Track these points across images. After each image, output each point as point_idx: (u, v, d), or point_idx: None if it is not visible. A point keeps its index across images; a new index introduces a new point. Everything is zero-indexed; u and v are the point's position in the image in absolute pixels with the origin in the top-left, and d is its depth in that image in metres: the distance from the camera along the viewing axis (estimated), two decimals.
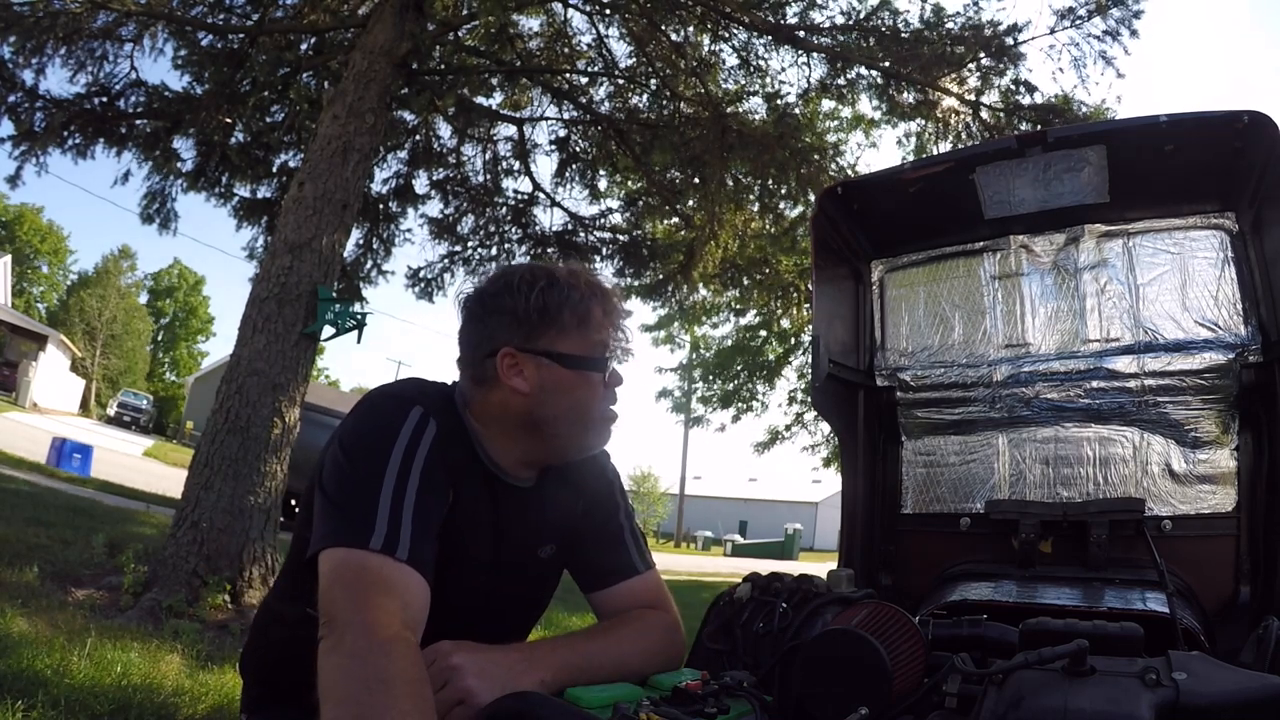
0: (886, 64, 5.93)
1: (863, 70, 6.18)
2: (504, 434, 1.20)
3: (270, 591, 1.42)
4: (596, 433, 1.24)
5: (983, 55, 5.74)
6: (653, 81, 6.98)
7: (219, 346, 55.90)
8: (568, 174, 7.64)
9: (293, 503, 8.09)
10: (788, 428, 13.60)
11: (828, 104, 6.81)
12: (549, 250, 7.79)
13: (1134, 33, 5.60)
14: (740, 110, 6.72)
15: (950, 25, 5.91)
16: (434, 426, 1.11)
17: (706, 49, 6.84)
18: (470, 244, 8.08)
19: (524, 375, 1.18)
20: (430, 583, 1.02)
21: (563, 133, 7.53)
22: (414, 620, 0.97)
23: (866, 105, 6.76)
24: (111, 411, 34.01)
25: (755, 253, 7.50)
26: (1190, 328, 2.25)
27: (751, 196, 7.17)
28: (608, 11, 6.84)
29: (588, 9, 6.93)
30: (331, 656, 0.89)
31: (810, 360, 2.50)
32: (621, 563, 1.34)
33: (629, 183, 7.76)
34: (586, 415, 1.21)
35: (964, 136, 6.14)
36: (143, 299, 49.56)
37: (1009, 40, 5.69)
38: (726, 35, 6.67)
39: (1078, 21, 5.65)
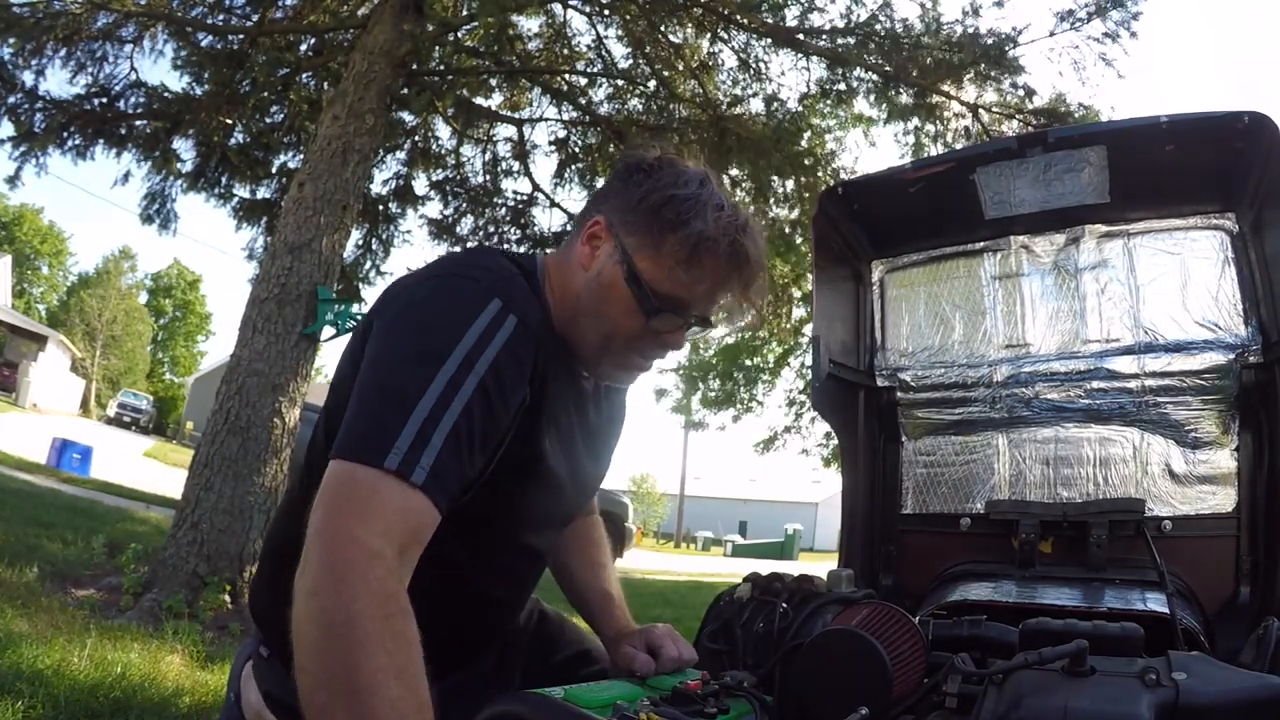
0: (886, 68, 5.93)
1: (861, 74, 6.19)
2: (558, 303, 1.07)
3: (278, 508, 1.26)
4: (613, 360, 1.08)
5: (982, 63, 5.74)
6: (651, 83, 6.98)
7: (219, 347, 55.96)
8: (567, 175, 7.64)
9: None
10: (786, 429, 13.60)
11: (826, 106, 6.81)
12: (548, 251, 7.78)
13: (1133, 34, 5.60)
14: (739, 113, 6.72)
15: (949, 31, 5.91)
16: (512, 323, 0.93)
17: (706, 51, 6.85)
18: (469, 245, 8.08)
19: (595, 253, 1.05)
20: (452, 502, 0.88)
21: (562, 133, 7.53)
22: (406, 544, 0.82)
23: (865, 106, 6.78)
24: (111, 412, 33.99)
25: None
26: (1190, 328, 2.25)
27: (748, 199, 7.17)
28: (607, 13, 6.85)
29: (587, 10, 6.93)
30: (299, 599, 0.77)
31: (810, 360, 2.50)
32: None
33: None
34: (611, 337, 1.05)
35: (963, 139, 6.15)
36: (142, 299, 49.57)
37: (1008, 46, 5.69)
38: (726, 37, 6.68)
39: (1077, 24, 5.66)
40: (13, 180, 6.77)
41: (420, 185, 7.91)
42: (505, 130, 7.66)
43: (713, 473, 54.78)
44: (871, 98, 6.39)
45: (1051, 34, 5.71)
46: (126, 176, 7.12)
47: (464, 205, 7.94)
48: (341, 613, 0.74)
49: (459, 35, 6.82)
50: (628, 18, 6.70)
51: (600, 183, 7.69)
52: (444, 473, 0.85)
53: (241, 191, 7.53)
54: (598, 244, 1.05)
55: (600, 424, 1.17)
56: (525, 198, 7.84)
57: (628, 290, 1.02)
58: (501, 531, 1.05)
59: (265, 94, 6.89)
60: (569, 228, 7.76)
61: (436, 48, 6.50)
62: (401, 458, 0.83)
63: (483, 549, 1.04)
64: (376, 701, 0.71)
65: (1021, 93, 5.86)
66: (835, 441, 9.41)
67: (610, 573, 1.30)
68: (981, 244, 2.56)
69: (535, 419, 0.99)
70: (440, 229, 7.94)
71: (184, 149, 7.10)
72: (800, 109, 6.69)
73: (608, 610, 1.26)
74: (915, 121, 6.38)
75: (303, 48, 7.05)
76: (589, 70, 7.25)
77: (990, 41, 5.71)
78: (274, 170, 7.46)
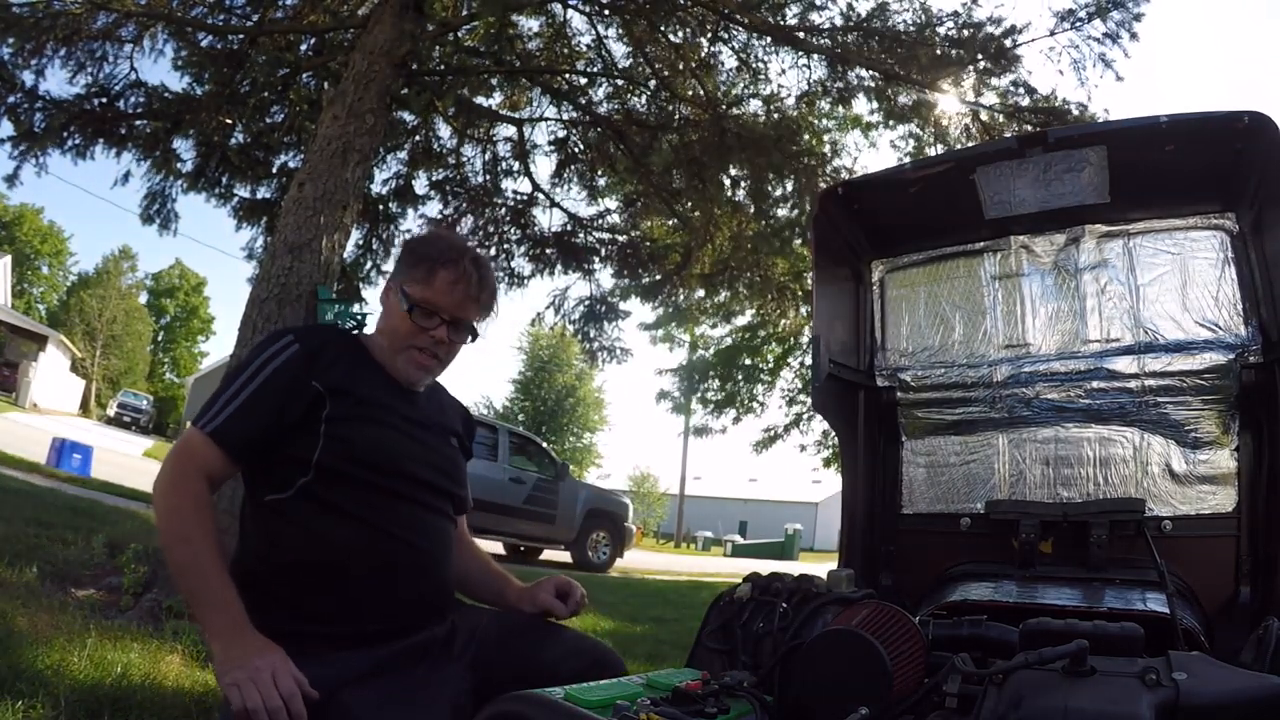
0: (886, 65, 5.93)
1: (861, 72, 6.18)
2: (376, 346, 1.59)
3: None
4: (404, 359, 1.56)
5: (980, 58, 5.74)
6: (652, 82, 6.98)
7: (219, 347, 55.84)
8: (566, 174, 7.64)
9: None
10: (786, 429, 13.57)
11: (826, 105, 6.81)
12: (548, 250, 7.78)
13: (1134, 35, 5.60)
14: (739, 112, 6.72)
15: (949, 27, 5.91)
16: (297, 346, 1.47)
17: (706, 50, 6.84)
18: (469, 244, 8.07)
19: (388, 299, 1.60)
20: (236, 451, 1.44)
21: (562, 133, 7.52)
22: (206, 471, 1.44)
23: (864, 106, 6.77)
24: (111, 412, 33.99)
25: (750, 255, 7.49)
26: (1190, 328, 2.25)
27: (749, 198, 7.17)
28: (607, 13, 6.84)
29: (587, 10, 6.92)
30: (155, 496, 1.43)
31: (810, 360, 2.50)
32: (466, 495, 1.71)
33: (627, 185, 7.76)
34: (393, 338, 1.56)
35: (963, 139, 6.14)
36: (143, 299, 49.56)
37: (1007, 42, 5.69)
38: (726, 36, 6.67)
39: (1077, 24, 5.65)
40: (12, 180, 6.76)
41: (420, 185, 7.90)
42: (505, 130, 7.65)
43: (713, 473, 54.75)
44: (870, 98, 6.39)
45: (1051, 33, 5.71)
46: (126, 176, 7.11)
47: (464, 205, 7.93)
48: (171, 506, 1.41)
49: (459, 35, 6.82)
50: (628, 17, 6.69)
51: (600, 183, 7.73)
52: (230, 429, 1.43)
53: (241, 191, 7.52)
54: (390, 294, 1.60)
55: (430, 412, 1.63)
56: (525, 197, 7.83)
57: (398, 304, 1.55)
58: (379, 467, 1.46)
59: (265, 94, 6.89)
60: (568, 226, 7.79)
61: (436, 48, 6.50)
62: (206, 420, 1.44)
63: (379, 491, 1.46)
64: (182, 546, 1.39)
65: (1022, 91, 5.86)
66: (835, 441, 9.42)
67: (497, 566, 1.81)
68: (981, 244, 2.56)
69: (349, 393, 1.47)
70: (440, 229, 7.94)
71: (184, 149, 7.09)
72: (799, 110, 6.68)
73: (507, 581, 1.76)
74: (915, 123, 6.38)
75: (303, 48, 7.04)
76: (589, 70, 7.24)
77: (988, 36, 5.70)
78: (274, 170, 7.45)
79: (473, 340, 1.66)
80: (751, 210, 7.26)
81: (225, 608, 1.31)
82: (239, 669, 1.22)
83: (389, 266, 8.03)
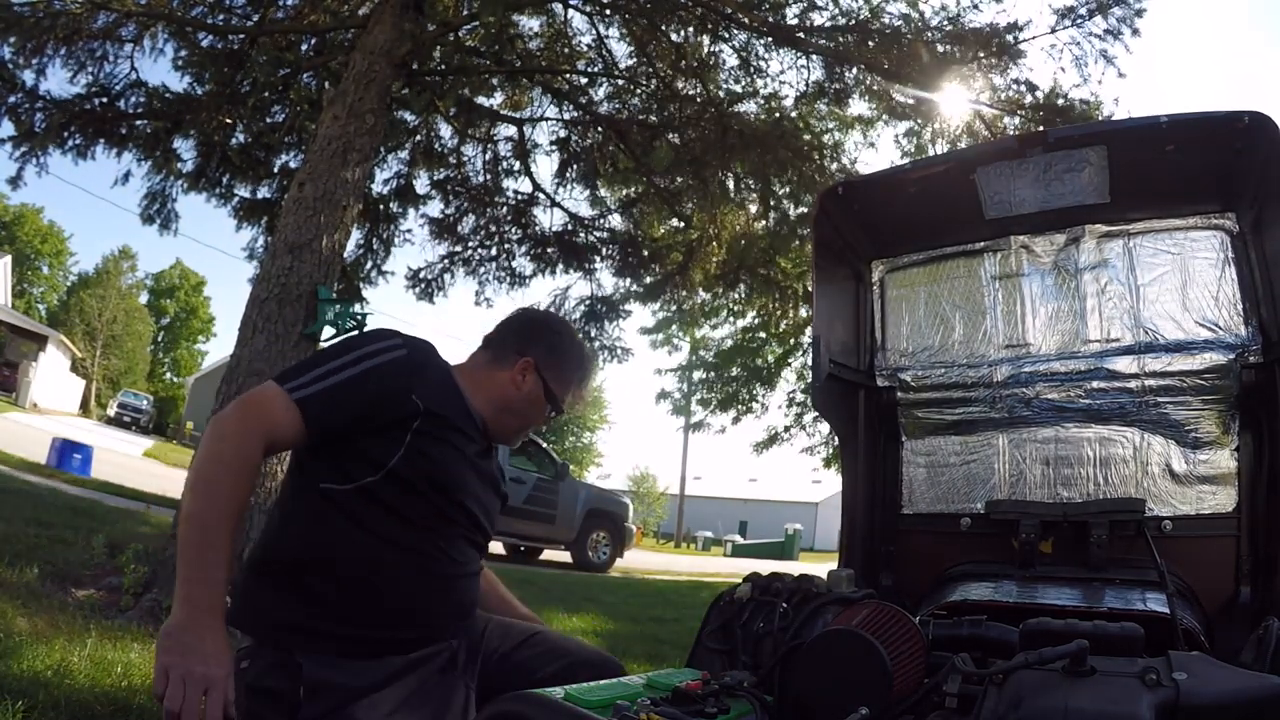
0: (886, 65, 5.92)
1: (861, 72, 6.18)
2: (483, 397, 1.62)
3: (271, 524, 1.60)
4: (517, 431, 1.71)
5: (981, 54, 5.74)
6: (653, 82, 6.98)
7: (219, 347, 55.88)
8: (568, 174, 7.64)
9: None
10: (787, 429, 13.57)
11: (825, 106, 6.80)
12: (549, 250, 7.78)
13: (1135, 31, 5.59)
14: (740, 111, 6.71)
15: (948, 26, 5.91)
16: (405, 352, 1.49)
17: (706, 49, 6.84)
18: (470, 244, 8.07)
19: (525, 379, 1.66)
20: (316, 426, 1.37)
21: (563, 133, 7.52)
22: (271, 435, 1.34)
23: (864, 107, 6.77)
24: (111, 412, 33.98)
25: (754, 254, 7.49)
26: (1191, 328, 2.25)
27: (751, 197, 7.17)
28: (608, 12, 6.84)
29: (588, 9, 6.92)
30: (207, 432, 1.35)
31: (811, 360, 2.50)
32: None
33: (628, 185, 7.76)
34: (525, 422, 1.70)
35: (963, 137, 6.14)
36: (143, 299, 49.55)
37: (1009, 38, 5.68)
38: (726, 36, 6.67)
39: (1078, 21, 5.65)
40: (13, 180, 6.77)
41: (421, 184, 7.90)
42: (506, 130, 7.65)
43: (713, 473, 54.74)
44: (868, 98, 6.39)
45: (1053, 30, 5.71)
46: (127, 176, 7.11)
47: (465, 205, 7.93)
48: (216, 451, 1.32)
49: (459, 35, 6.81)
50: (628, 17, 6.69)
51: (600, 183, 7.73)
52: (318, 403, 1.37)
53: (242, 191, 7.53)
54: (526, 374, 1.66)
55: (491, 459, 1.68)
56: (526, 197, 7.84)
57: (544, 399, 1.67)
58: (446, 490, 1.47)
59: (265, 94, 6.89)
60: (568, 226, 7.76)
61: (437, 48, 6.50)
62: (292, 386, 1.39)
63: (436, 511, 1.47)
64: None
65: (1024, 88, 5.85)
66: (836, 441, 9.41)
67: (516, 601, 1.92)
68: (981, 244, 2.56)
69: (442, 417, 1.48)
70: (441, 228, 7.94)
71: (184, 149, 7.10)
72: (799, 110, 6.68)
73: (520, 613, 1.86)
74: (915, 122, 6.38)
75: (303, 48, 7.04)
76: (590, 70, 7.24)
77: (989, 33, 5.69)
78: (274, 170, 7.45)
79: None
80: (754, 209, 7.26)
81: (208, 581, 1.22)
82: (180, 656, 1.15)
83: (389, 266, 8.04)
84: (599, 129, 7.26)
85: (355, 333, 1.54)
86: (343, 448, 1.41)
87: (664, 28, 6.68)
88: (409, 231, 8.06)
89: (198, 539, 1.24)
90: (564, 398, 1.69)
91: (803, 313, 8.06)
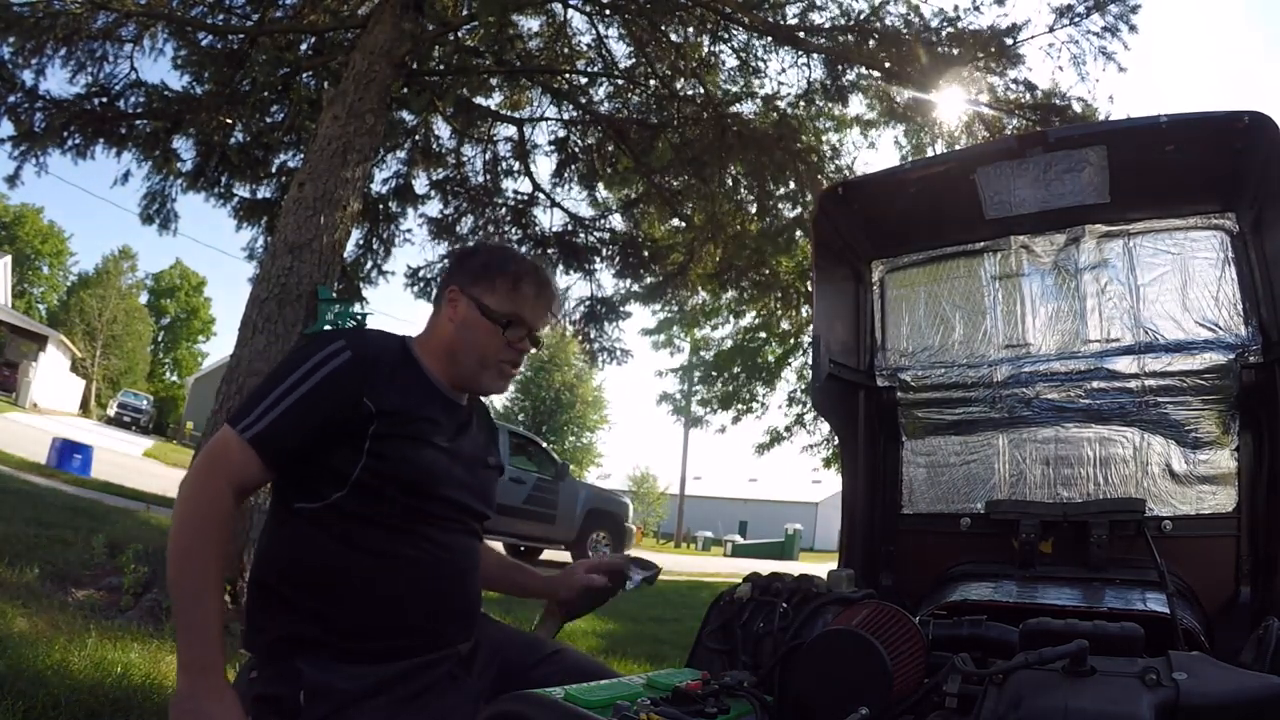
0: (886, 65, 5.92)
1: (861, 71, 6.18)
2: (433, 355, 1.54)
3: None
4: (491, 375, 1.56)
5: (981, 56, 5.73)
6: (652, 82, 6.97)
7: (219, 347, 55.86)
8: (567, 174, 7.63)
9: None
10: (787, 429, 13.56)
11: (825, 103, 6.80)
12: (549, 250, 7.78)
13: (1133, 28, 5.59)
14: (740, 111, 6.71)
15: (948, 28, 5.91)
16: (349, 354, 1.40)
17: (706, 49, 6.84)
18: (470, 243, 8.07)
19: (456, 310, 1.54)
20: (274, 459, 1.36)
21: (562, 133, 7.52)
22: (237, 481, 1.34)
23: (864, 107, 6.77)
24: (111, 412, 33.97)
25: (754, 254, 7.49)
26: (1190, 328, 2.25)
27: (750, 197, 7.17)
28: (607, 12, 6.84)
29: (587, 9, 6.92)
30: (178, 494, 1.34)
31: (811, 360, 2.50)
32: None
33: (628, 185, 7.75)
34: (484, 356, 1.53)
35: (963, 138, 6.14)
36: (143, 299, 49.55)
37: (1008, 40, 5.68)
38: (726, 36, 6.67)
39: (1076, 19, 5.65)
40: (13, 180, 6.77)
41: (420, 184, 7.90)
42: (505, 130, 7.66)
43: (713, 473, 54.72)
44: (867, 98, 6.39)
45: (1050, 29, 5.71)
46: (126, 176, 7.11)
47: (464, 204, 7.93)
48: (189, 512, 1.33)
49: (459, 35, 6.81)
50: (628, 17, 6.69)
51: (600, 184, 7.73)
52: (270, 437, 1.34)
53: (241, 191, 7.53)
54: (456, 303, 1.54)
55: (474, 431, 1.58)
56: (525, 197, 7.83)
57: (486, 321, 1.52)
58: (417, 490, 1.42)
59: (265, 94, 6.88)
60: (568, 226, 7.77)
61: (436, 48, 6.50)
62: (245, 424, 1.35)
63: (411, 512, 1.42)
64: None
65: (1023, 88, 5.86)
66: (836, 441, 9.40)
67: (510, 558, 1.94)
68: (981, 244, 2.56)
69: (400, 412, 1.41)
70: (440, 228, 7.94)
71: (184, 149, 7.10)
72: (799, 110, 6.68)
73: (522, 570, 1.92)
74: (915, 120, 6.38)
75: (303, 47, 7.04)
76: (589, 70, 7.24)
77: (988, 34, 5.69)
78: (274, 170, 7.45)
79: (538, 350, 1.67)
80: (754, 209, 7.26)
81: (204, 641, 1.26)
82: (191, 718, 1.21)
83: (389, 266, 8.04)
84: (599, 129, 7.26)
85: (301, 344, 1.45)
86: (304, 467, 1.39)
87: (664, 28, 6.68)
88: (409, 231, 8.06)
89: (187, 604, 1.29)
90: (507, 309, 1.52)
91: (803, 313, 8.06)
